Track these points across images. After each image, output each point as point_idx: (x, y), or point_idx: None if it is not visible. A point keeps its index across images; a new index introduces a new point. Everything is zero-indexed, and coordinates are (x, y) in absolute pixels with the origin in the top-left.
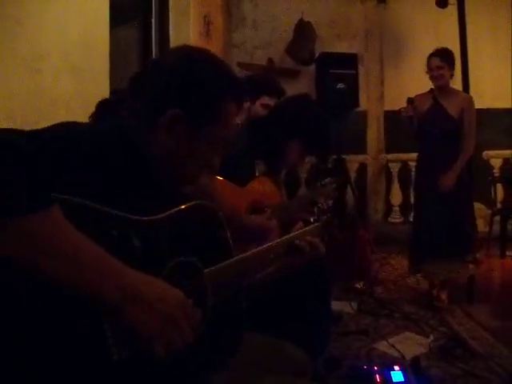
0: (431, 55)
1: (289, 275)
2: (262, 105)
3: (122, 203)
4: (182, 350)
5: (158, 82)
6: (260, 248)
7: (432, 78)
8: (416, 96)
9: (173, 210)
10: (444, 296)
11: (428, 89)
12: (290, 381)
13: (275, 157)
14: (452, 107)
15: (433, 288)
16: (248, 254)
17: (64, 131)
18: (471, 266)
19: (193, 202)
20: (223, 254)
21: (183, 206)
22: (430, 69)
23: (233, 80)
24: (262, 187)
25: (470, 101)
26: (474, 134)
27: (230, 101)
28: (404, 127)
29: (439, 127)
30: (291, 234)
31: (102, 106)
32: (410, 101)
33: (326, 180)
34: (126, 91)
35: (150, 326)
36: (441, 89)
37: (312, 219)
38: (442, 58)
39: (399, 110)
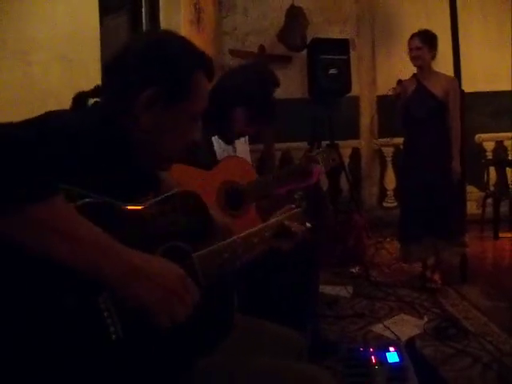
0: (412, 35)
1: (274, 259)
2: None
3: (106, 190)
4: (183, 322)
5: (130, 66)
6: (248, 231)
7: (411, 58)
8: (402, 81)
9: (157, 198)
10: (437, 277)
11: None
12: (285, 362)
13: (225, 128)
14: (436, 88)
15: (426, 270)
16: (235, 237)
17: (53, 120)
18: (460, 248)
19: (175, 190)
20: (210, 238)
21: (166, 194)
22: (410, 49)
23: (201, 54)
24: (232, 166)
25: (454, 82)
26: (459, 115)
27: (200, 76)
28: (395, 112)
29: (424, 108)
30: (277, 218)
31: (77, 97)
32: (399, 81)
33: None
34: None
35: (154, 299)
36: (422, 70)
37: (294, 206)
38: (422, 39)
39: (388, 91)
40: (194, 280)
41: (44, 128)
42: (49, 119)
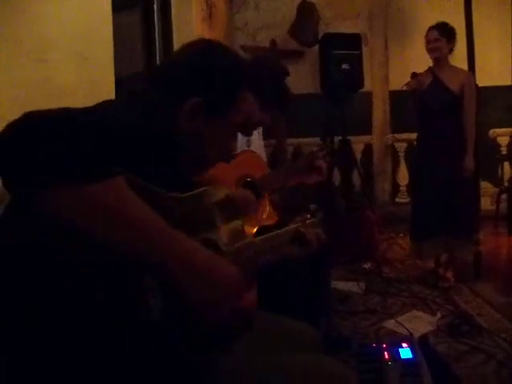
0: (430, 28)
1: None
2: None
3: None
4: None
5: (178, 75)
6: (267, 235)
7: (429, 50)
8: (417, 75)
9: (193, 192)
10: (450, 275)
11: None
12: (303, 356)
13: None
14: (452, 82)
15: (438, 267)
16: (255, 239)
17: (109, 113)
18: (474, 246)
19: (208, 187)
20: (237, 236)
21: (200, 189)
22: (427, 41)
23: (244, 68)
24: (248, 160)
25: (470, 77)
26: (474, 112)
27: (245, 89)
28: (408, 107)
29: (439, 101)
30: (294, 225)
31: (126, 88)
32: (414, 75)
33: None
34: (145, 81)
35: (203, 298)
36: (439, 63)
37: (308, 216)
38: (440, 31)
39: (403, 86)
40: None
41: (100, 118)
42: (106, 110)
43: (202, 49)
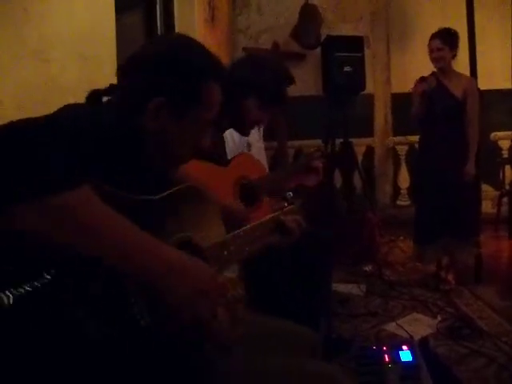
0: (432, 36)
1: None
2: None
3: (123, 186)
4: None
5: (143, 69)
6: (249, 226)
7: (432, 59)
8: (416, 80)
9: (166, 192)
10: (451, 277)
11: (431, 70)
12: (302, 360)
13: (239, 120)
14: (455, 88)
15: (440, 270)
16: (239, 231)
17: (69, 116)
18: (475, 248)
19: (183, 185)
20: (216, 231)
21: (175, 188)
22: (430, 50)
23: (213, 61)
24: (244, 162)
25: (473, 83)
26: (477, 117)
27: (212, 81)
28: (413, 110)
29: (444, 106)
30: (273, 214)
31: (91, 95)
32: (422, 78)
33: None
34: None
35: (181, 296)
36: (442, 71)
37: (286, 204)
38: (442, 40)
39: (413, 88)
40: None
41: (60, 123)
42: (65, 115)
43: (168, 44)
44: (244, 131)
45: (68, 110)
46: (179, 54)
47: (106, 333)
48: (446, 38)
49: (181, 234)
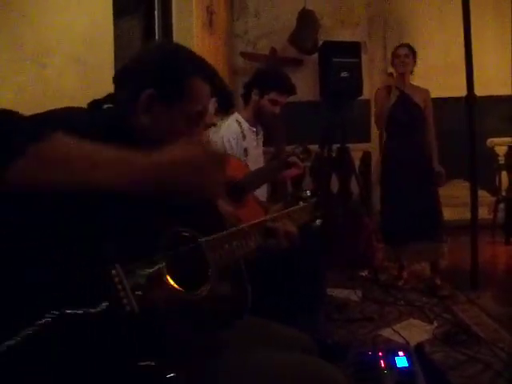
0: (400, 46)
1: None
2: (270, 100)
3: None
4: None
5: (134, 71)
6: (256, 221)
7: (397, 64)
8: (378, 89)
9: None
10: (438, 281)
11: (427, 76)
12: (301, 358)
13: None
14: (416, 97)
15: (435, 276)
16: (243, 225)
17: (64, 114)
18: (444, 245)
19: None
20: (216, 226)
21: None
22: (396, 56)
23: (198, 59)
24: (229, 163)
25: (429, 93)
26: (433, 124)
27: (197, 77)
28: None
29: (408, 115)
30: (283, 211)
31: (92, 104)
32: (391, 74)
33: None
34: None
35: (193, 182)
36: (404, 79)
37: (301, 203)
38: (409, 48)
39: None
40: (201, 265)
41: (52, 118)
42: (60, 113)
43: (156, 46)
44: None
45: (63, 109)
46: (165, 54)
47: (88, 318)
48: (411, 50)
49: (178, 228)
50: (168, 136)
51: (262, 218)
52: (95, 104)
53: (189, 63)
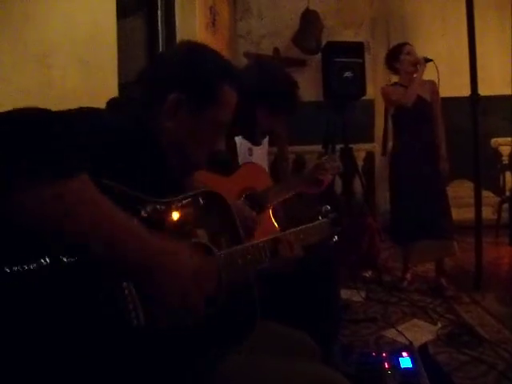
0: (404, 43)
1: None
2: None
3: (139, 188)
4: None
5: (161, 73)
6: (272, 237)
7: (413, 61)
8: (385, 87)
9: (183, 195)
10: (444, 281)
11: (432, 76)
12: (301, 363)
13: (249, 129)
14: (423, 92)
15: (441, 276)
16: (259, 241)
17: (89, 116)
18: (455, 242)
19: (201, 189)
20: (233, 239)
21: (192, 192)
22: (407, 52)
23: (229, 67)
24: (249, 173)
25: (436, 86)
26: (441, 116)
27: (227, 86)
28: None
29: (417, 111)
30: (301, 227)
31: (113, 103)
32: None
33: (325, 157)
34: (136, 85)
35: (170, 290)
36: (411, 77)
37: (320, 217)
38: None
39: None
40: (214, 277)
41: (85, 123)
42: (94, 117)
43: (186, 47)
44: (255, 140)
45: (85, 111)
46: (195, 55)
47: (97, 331)
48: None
49: (195, 240)
50: (190, 142)
51: (270, 237)
52: (115, 104)
53: (221, 68)
